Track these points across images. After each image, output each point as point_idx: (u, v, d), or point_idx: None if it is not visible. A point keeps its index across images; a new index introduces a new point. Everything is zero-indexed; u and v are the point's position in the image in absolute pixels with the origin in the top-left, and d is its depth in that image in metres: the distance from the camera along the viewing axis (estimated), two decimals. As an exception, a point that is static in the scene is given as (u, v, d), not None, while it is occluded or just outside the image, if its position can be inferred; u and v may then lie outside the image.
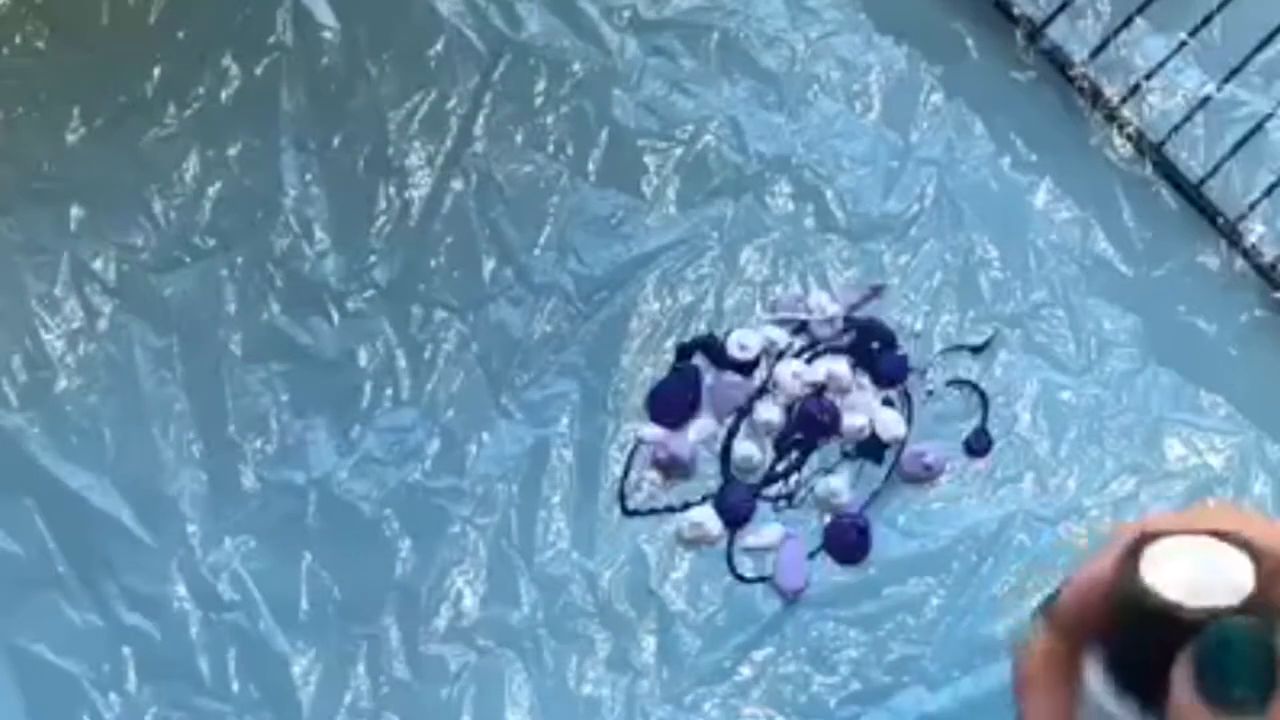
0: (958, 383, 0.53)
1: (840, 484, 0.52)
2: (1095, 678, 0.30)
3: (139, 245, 0.55)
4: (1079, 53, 0.55)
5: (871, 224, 0.55)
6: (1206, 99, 0.54)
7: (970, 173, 0.55)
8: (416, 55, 0.56)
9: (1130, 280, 0.54)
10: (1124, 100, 0.55)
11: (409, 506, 0.52)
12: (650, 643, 0.51)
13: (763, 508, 0.52)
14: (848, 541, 0.51)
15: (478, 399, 0.53)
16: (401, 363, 0.54)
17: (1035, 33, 0.55)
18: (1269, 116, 0.54)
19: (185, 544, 0.52)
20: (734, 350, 0.53)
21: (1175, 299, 0.54)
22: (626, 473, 0.52)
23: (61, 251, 0.55)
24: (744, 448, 0.52)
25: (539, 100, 0.56)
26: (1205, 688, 0.28)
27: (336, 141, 0.56)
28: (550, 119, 0.56)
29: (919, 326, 0.54)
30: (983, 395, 0.53)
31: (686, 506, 0.52)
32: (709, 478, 0.52)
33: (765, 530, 0.52)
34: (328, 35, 0.57)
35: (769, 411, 0.52)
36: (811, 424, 0.52)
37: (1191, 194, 0.54)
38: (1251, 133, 0.54)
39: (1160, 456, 0.52)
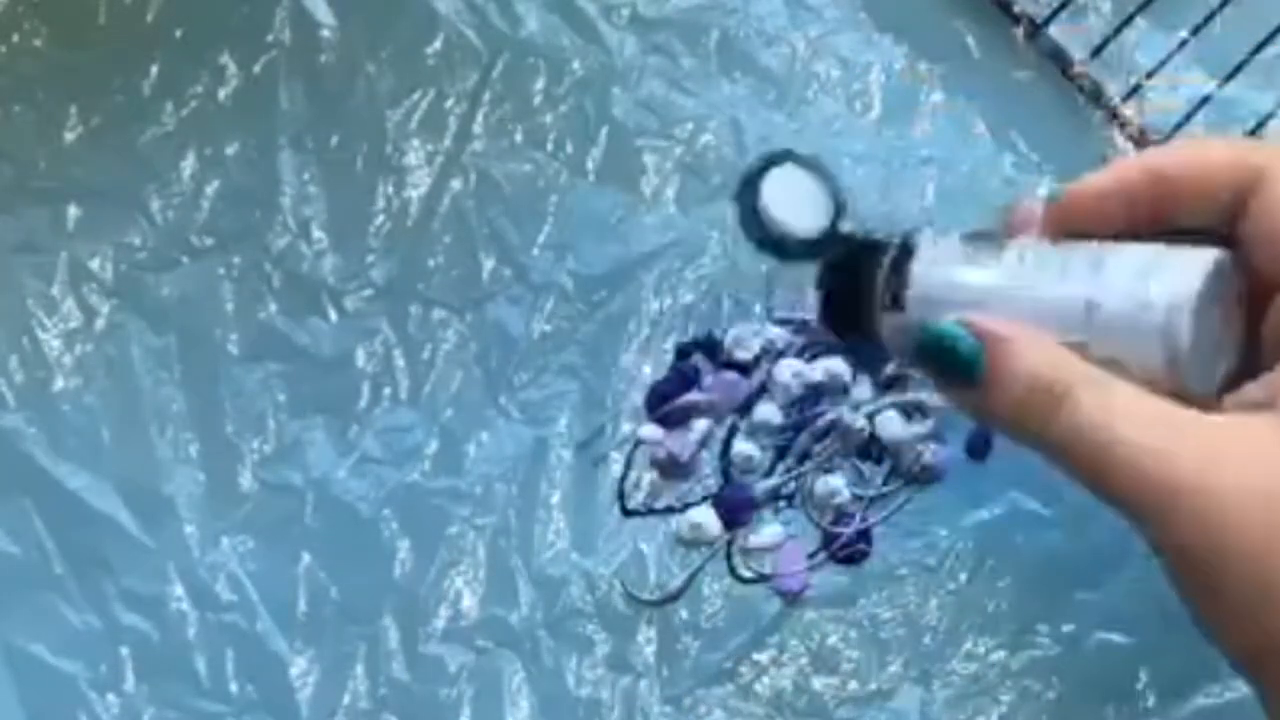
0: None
1: (840, 484, 0.52)
2: None
3: (136, 244, 0.55)
4: (1080, 51, 0.55)
5: (871, 224, 0.54)
6: (1207, 98, 0.54)
7: (970, 172, 0.55)
8: (415, 54, 0.56)
9: (1131, 280, 0.54)
10: (1125, 99, 0.55)
11: (407, 507, 0.52)
12: (650, 643, 0.51)
13: (763, 508, 0.52)
14: (848, 542, 0.51)
15: (476, 399, 0.53)
16: (400, 362, 0.53)
17: (1036, 31, 0.55)
18: (1270, 116, 0.54)
19: (183, 544, 0.52)
20: (734, 350, 0.53)
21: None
22: (626, 473, 0.52)
23: (59, 251, 0.55)
24: (744, 448, 0.52)
25: (538, 99, 0.56)
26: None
27: (335, 140, 0.56)
28: (549, 118, 0.56)
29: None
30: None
31: (686, 507, 0.52)
32: (708, 478, 0.52)
33: (765, 531, 0.51)
34: (326, 34, 0.57)
35: (769, 411, 0.52)
36: (811, 424, 0.52)
37: (1192, 193, 0.54)
38: (1252, 132, 0.54)
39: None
